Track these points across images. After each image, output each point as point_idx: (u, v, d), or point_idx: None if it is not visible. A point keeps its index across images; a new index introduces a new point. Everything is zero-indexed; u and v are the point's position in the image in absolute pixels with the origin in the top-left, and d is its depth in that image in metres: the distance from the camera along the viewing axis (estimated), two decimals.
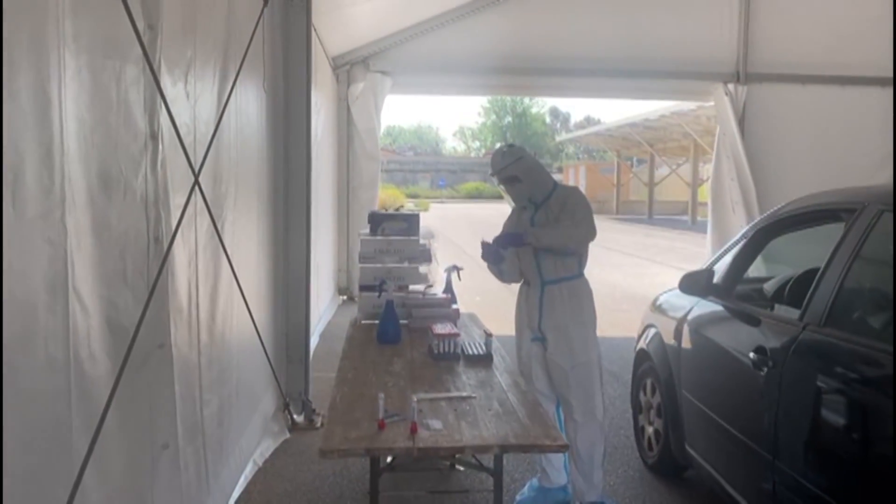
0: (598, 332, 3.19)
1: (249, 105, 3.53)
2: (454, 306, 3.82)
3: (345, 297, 8.57)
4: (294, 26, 4.20)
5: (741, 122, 8.03)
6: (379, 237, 3.93)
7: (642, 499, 3.40)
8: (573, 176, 40.58)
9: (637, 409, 3.93)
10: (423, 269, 3.99)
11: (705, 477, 3.05)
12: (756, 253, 3.16)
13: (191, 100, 2.52)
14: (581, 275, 3.16)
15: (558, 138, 55.16)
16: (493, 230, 3.24)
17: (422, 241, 3.98)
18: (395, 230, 3.95)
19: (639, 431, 3.89)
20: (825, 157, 7.68)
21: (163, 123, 2.17)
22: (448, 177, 55.95)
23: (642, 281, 11.08)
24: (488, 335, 3.18)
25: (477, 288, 7.27)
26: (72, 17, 1.59)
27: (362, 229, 4.20)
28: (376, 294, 3.63)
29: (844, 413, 2.18)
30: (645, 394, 3.79)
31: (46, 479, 1.52)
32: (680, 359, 3.33)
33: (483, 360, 3.03)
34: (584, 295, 3.14)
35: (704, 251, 8.82)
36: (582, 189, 3.47)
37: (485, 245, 3.14)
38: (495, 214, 14.67)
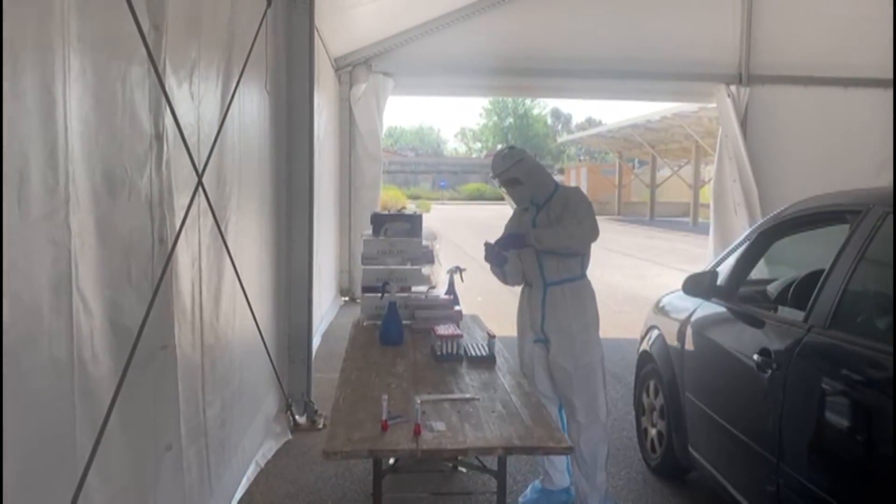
0: (601, 334, 3.18)
1: (252, 106, 3.53)
2: (457, 307, 3.82)
3: (346, 299, 8.57)
4: (297, 27, 4.20)
5: (744, 124, 8.02)
6: (382, 238, 3.93)
7: (645, 501, 3.40)
8: (574, 177, 40.58)
9: (640, 410, 3.92)
10: (425, 270, 3.99)
11: (708, 479, 3.04)
12: (760, 255, 3.16)
13: (195, 100, 2.52)
14: (584, 276, 3.15)
15: (560, 139, 55.19)
16: (495, 232, 3.23)
17: (424, 243, 3.98)
18: (398, 231, 3.95)
19: (642, 433, 3.88)
20: (828, 159, 7.67)
21: (167, 124, 2.17)
22: (449, 178, 55.97)
23: (644, 282, 11.08)
24: (491, 336, 3.18)
25: (479, 289, 7.27)
26: (77, 17, 1.59)
27: (365, 230, 4.20)
28: (379, 295, 3.62)
29: (849, 415, 2.18)
30: (648, 395, 3.78)
31: (50, 479, 1.52)
32: (683, 360, 3.33)
33: (486, 362, 3.03)
34: (586, 296, 3.14)
35: (706, 253, 8.81)
36: (584, 190, 3.45)
37: (488, 246, 3.13)
38: (496, 216, 14.68)
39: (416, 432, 2.13)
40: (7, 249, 1.34)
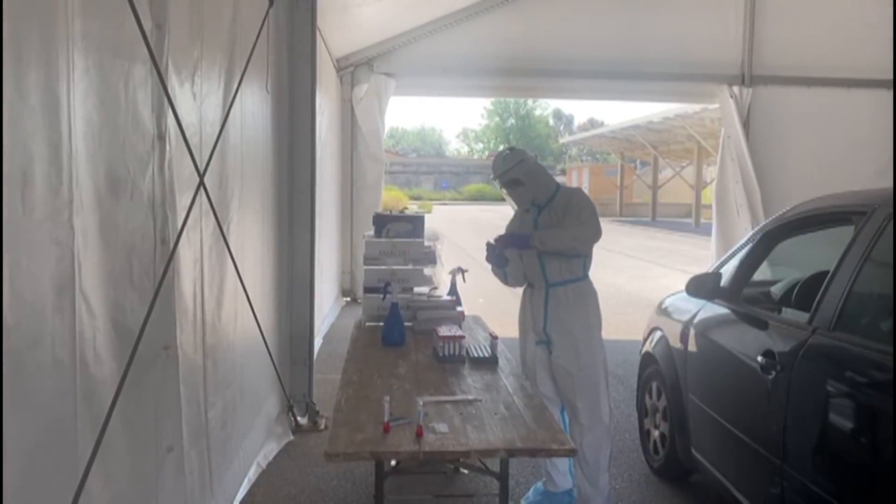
0: (603, 335, 3.17)
1: (254, 106, 3.53)
2: (459, 308, 3.81)
3: (348, 299, 8.56)
4: (299, 27, 4.20)
5: (746, 125, 8.01)
6: (384, 239, 3.92)
7: (648, 503, 3.38)
8: (576, 178, 40.56)
9: (643, 412, 3.91)
10: (427, 271, 3.98)
11: (712, 481, 3.03)
12: (764, 256, 3.14)
13: (197, 100, 2.51)
14: (586, 277, 3.14)
15: (562, 140, 55.14)
16: (497, 232, 3.22)
17: (426, 243, 3.97)
18: (400, 232, 3.94)
19: (644, 435, 3.87)
20: (831, 160, 7.66)
21: (170, 124, 2.16)
22: (451, 179, 55.95)
23: (646, 283, 11.06)
24: (493, 338, 3.17)
25: (481, 290, 7.27)
26: (80, 17, 1.59)
27: (366, 231, 4.20)
28: (381, 296, 3.62)
29: (854, 418, 2.17)
30: (650, 397, 3.77)
31: (50, 480, 1.51)
32: (686, 362, 3.32)
33: (488, 363, 3.02)
34: (589, 297, 3.13)
35: (708, 254, 8.80)
36: (586, 191, 3.44)
37: (490, 246, 3.12)
38: (499, 216, 14.67)
39: (419, 434, 2.13)
40: (11, 249, 1.33)
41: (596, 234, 3.03)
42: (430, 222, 4.43)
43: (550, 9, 8.06)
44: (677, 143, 25.16)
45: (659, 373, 3.62)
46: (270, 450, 3.72)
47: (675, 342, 3.45)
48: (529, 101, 58.83)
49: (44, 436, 1.49)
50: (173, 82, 2.20)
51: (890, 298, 2.30)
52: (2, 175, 1.30)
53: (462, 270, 4.01)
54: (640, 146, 28.08)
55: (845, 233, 2.45)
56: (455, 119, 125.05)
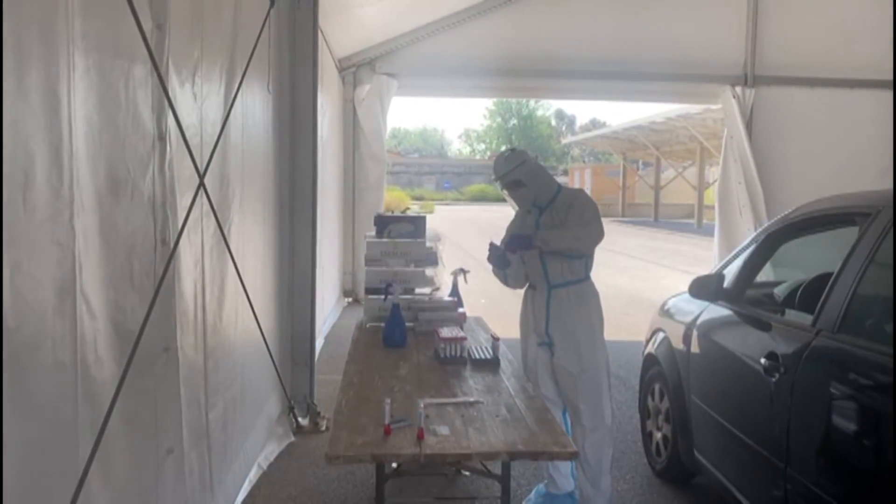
0: (605, 336, 3.16)
1: (255, 106, 3.52)
2: (460, 310, 3.80)
3: (350, 300, 8.56)
4: (300, 27, 4.19)
5: (749, 125, 7.99)
6: (385, 240, 3.91)
7: None
8: (579, 178, 40.51)
9: (645, 414, 3.90)
10: (429, 271, 3.98)
11: (714, 483, 3.01)
12: (767, 257, 3.13)
13: (198, 101, 2.50)
14: (588, 278, 3.13)
15: (564, 141, 55.04)
16: (499, 233, 3.22)
17: (428, 244, 3.96)
18: (402, 232, 3.93)
19: (647, 437, 3.86)
20: (834, 161, 7.64)
21: (170, 124, 2.16)
22: (453, 179, 55.95)
23: (648, 284, 11.04)
24: (495, 339, 3.16)
25: (483, 291, 7.25)
26: (81, 17, 1.58)
27: (368, 231, 4.19)
28: (382, 297, 3.61)
29: (858, 420, 2.15)
30: (653, 399, 3.75)
31: (50, 481, 1.51)
32: (689, 364, 3.30)
33: (490, 365, 3.01)
34: (591, 298, 3.12)
35: (710, 255, 8.77)
36: (588, 192, 3.43)
37: (492, 247, 3.11)
38: (500, 217, 14.65)
39: (420, 436, 2.11)
40: (12, 251, 1.32)
41: (599, 234, 3.02)
42: (432, 223, 4.42)
43: (553, 9, 8.05)
44: (679, 144, 25.13)
45: (661, 374, 3.61)
46: (271, 451, 3.71)
47: (678, 343, 3.44)
48: (531, 102, 58.82)
49: (44, 437, 1.48)
50: (174, 83, 2.20)
51: (894, 300, 2.28)
52: (2, 176, 1.29)
53: (464, 271, 4.00)
54: (643, 147, 28.05)
55: (849, 234, 2.43)
56: (457, 119, 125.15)
